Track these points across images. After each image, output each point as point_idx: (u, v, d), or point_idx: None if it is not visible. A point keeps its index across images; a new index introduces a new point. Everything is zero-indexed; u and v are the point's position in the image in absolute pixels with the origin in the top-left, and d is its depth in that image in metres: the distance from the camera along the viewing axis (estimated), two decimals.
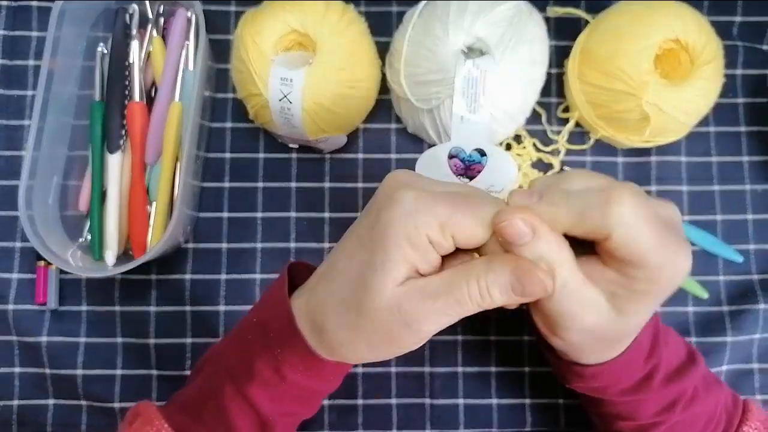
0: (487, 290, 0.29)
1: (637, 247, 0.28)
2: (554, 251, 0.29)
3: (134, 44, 0.48)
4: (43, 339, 0.48)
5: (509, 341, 0.49)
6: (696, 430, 0.37)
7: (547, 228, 0.28)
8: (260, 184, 0.50)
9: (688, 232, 0.49)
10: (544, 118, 0.50)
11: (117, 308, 0.49)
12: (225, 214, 0.50)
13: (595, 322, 0.30)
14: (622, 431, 0.38)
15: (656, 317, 0.37)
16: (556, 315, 0.30)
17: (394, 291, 0.29)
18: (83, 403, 0.48)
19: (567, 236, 0.29)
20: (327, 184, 0.50)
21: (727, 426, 0.38)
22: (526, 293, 0.28)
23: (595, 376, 0.35)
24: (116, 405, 0.48)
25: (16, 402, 0.48)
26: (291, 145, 0.50)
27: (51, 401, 0.48)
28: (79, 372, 0.48)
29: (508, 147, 0.50)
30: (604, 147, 0.50)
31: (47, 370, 0.48)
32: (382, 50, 0.48)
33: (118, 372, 0.48)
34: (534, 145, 0.50)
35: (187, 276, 0.49)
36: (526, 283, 0.28)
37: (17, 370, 0.49)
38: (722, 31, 0.48)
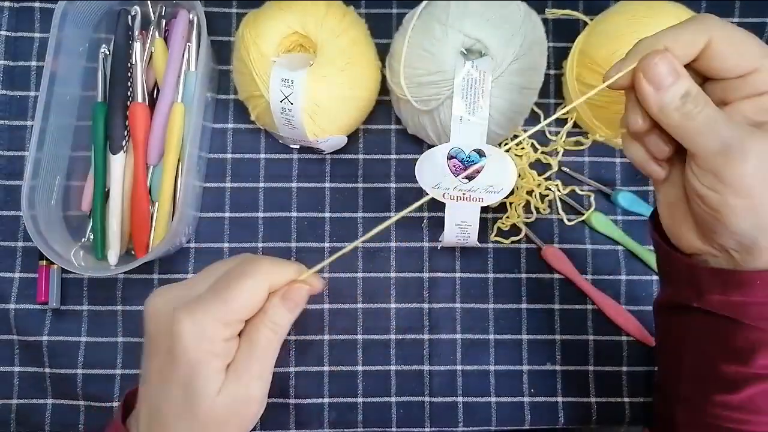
0: (276, 324, 0.33)
1: (739, 41, 0.30)
2: (696, 87, 0.31)
3: (136, 46, 0.49)
4: (44, 338, 0.49)
5: (508, 340, 0.49)
6: None
7: (685, 71, 0.31)
8: (261, 185, 0.51)
9: None
10: (542, 119, 0.51)
11: (119, 308, 0.49)
12: (226, 214, 0.50)
13: (761, 146, 0.30)
14: (723, 375, 0.34)
15: None
16: (729, 143, 0.30)
17: (222, 394, 0.32)
18: (81, 403, 0.49)
19: None
20: (327, 185, 0.51)
21: None
22: (299, 303, 0.34)
23: (744, 285, 0.32)
24: (115, 405, 0.48)
25: (15, 401, 0.49)
26: (292, 146, 0.51)
27: (50, 401, 0.49)
28: (79, 371, 0.49)
29: (507, 148, 0.50)
30: (601, 148, 0.51)
31: (47, 370, 0.49)
32: (382, 51, 0.49)
33: (118, 372, 0.49)
34: (532, 145, 0.50)
35: (190, 276, 0.50)
36: (295, 297, 0.34)
37: (17, 369, 0.49)
38: None
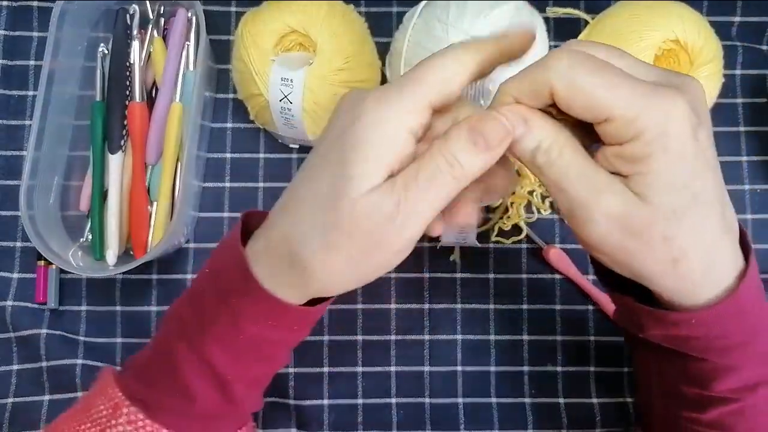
0: (454, 157, 0.28)
1: (588, 89, 0.27)
2: (551, 134, 0.28)
3: (135, 45, 0.48)
4: (42, 339, 0.48)
5: (508, 340, 0.49)
6: None
7: (537, 113, 0.28)
8: (261, 184, 0.50)
9: None
10: None
11: (118, 308, 0.49)
12: (226, 214, 0.50)
13: (614, 205, 0.27)
14: (688, 396, 0.33)
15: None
16: (576, 205, 0.28)
17: (372, 195, 0.28)
18: (80, 395, 0.48)
19: None
20: None
21: None
22: (490, 144, 0.28)
23: (679, 324, 0.30)
24: None
25: (10, 400, 0.48)
26: (291, 145, 0.50)
27: (47, 397, 0.48)
28: (78, 372, 0.48)
29: None
30: None
31: (43, 364, 0.48)
32: (383, 51, 0.49)
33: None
34: None
35: (188, 276, 0.49)
36: (485, 132, 0.28)
37: (15, 367, 0.49)
38: (721, 31, 0.48)
